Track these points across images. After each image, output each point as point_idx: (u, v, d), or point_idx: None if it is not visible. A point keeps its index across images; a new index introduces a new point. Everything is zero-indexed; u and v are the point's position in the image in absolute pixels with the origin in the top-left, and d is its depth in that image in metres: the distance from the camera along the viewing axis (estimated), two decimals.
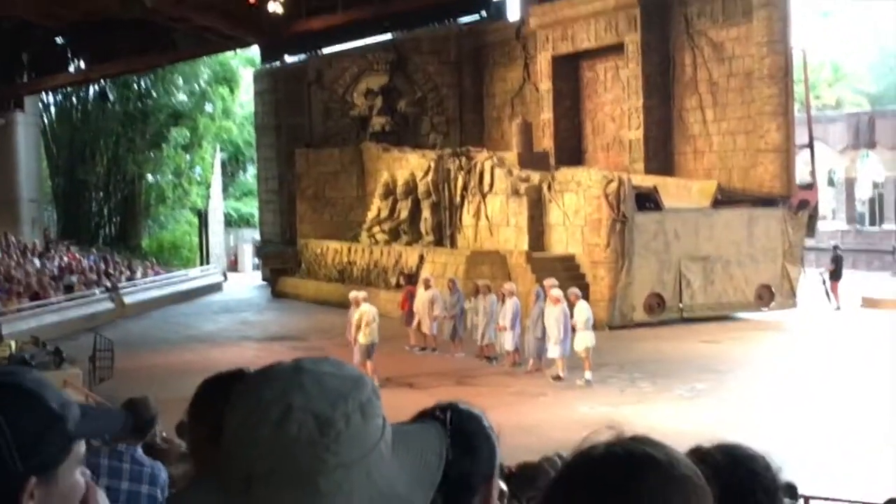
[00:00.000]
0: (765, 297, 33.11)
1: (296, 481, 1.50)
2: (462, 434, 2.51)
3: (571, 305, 23.73)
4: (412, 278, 33.43)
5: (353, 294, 25.74)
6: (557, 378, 23.70)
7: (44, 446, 1.91)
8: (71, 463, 1.98)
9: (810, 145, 37.24)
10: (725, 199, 34.20)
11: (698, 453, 2.59)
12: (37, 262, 43.58)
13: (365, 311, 24.15)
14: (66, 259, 46.23)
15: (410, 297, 29.95)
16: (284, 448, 1.49)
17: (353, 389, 1.57)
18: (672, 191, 34.35)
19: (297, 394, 1.53)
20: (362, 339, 23.87)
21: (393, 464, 1.59)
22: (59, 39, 50.42)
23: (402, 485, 1.59)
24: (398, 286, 34.82)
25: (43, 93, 56.84)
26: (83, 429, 2.00)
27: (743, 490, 2.62)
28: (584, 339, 23.49)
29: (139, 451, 6.18)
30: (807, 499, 11.11)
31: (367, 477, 1.54)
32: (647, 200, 32.40)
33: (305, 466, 1.49)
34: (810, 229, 35.04)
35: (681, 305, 32.17)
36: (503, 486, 2.79)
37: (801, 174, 36.86)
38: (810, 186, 36.37)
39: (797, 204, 34.24)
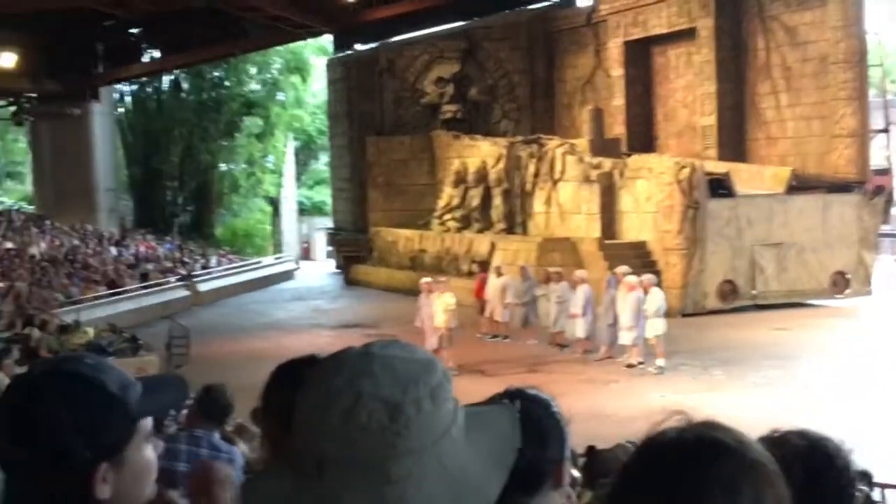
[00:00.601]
0: (839, 283, 32.72)
1: (367, 468, 1.50)
2: (530, 420, 2.54)
3: (645, 292, 23.62)
4: (485, 266, 33.41)
5: (423, 281, 25.85)
6: (631, 365, 23.65)
7: (107, 430, 1.95)
8: (138, 441, 2.03)
9: (886, 130, 36.76)
10: (800, 185, 33.82)
11: (773, 439, 2.58)
12: (113, 250, 44.13)
13: (447, 297, 24.25)
14: (141, 248, 46.77)
15: (485, 284, 30.01)
16: (354, 436, 1.50)
17: (423, 373, 1.57)
18: (745, 177, 34.04)
19: (367, 380, 1.53)
20: (443, 324, 23.94)
21: (466, 448, 1.58)
22: (133, 31, 50.93)
23: (476, 470, 1.58)
24: (470, 274, 34.81)
25: (118, 83, 57.45)
26: (146, 407, 2.04)
27: (821, 472, 2.60)
28: (656, 327, 23.39)
29: (217, 436, 6.26)
30: (883, 487, 10.99)
31: (439, 462, 1.53)
32: (720, 187, 32.15)
33: (376, 453, 1.50)
34: (886, 215, 34.62)
35: (754, 292, 31.89)
36: (575, 473, 2.81)
37: (877, 159, 36.41)
38: (886, 172, 35.92)
39: (873, 190, 33.79)
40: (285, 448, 1.66)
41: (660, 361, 23.20)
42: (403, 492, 1.51)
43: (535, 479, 2.54)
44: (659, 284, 25.63)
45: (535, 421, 2.55)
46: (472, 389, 1.73)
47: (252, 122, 62.97)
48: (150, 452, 2.07)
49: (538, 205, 37.49)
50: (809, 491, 2.11)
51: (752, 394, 20.29)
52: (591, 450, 8.93)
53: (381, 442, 1.50)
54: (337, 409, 1.52)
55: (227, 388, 6.66)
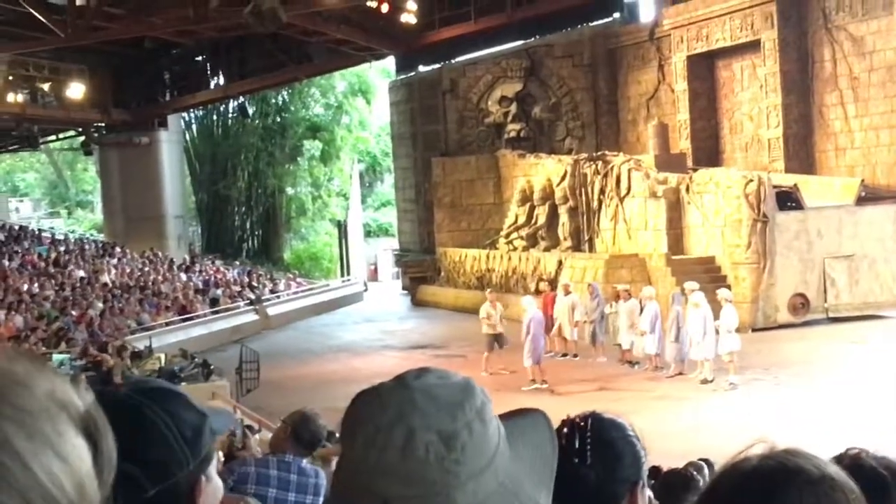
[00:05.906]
0: None
1: (432, 500, 1.49)
2: (604, 442, 2.53)
3: (719, 307, 23.47)
4: (553, 284, 33.31)
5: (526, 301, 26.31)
6: (705, 381, 23.48)
7: (202, 444, 1.97)
8: (216, 460, 2.05)
9: None
10: (869, 195, 33.46)
11: (849, 459, 2.53)
12: (183, 276, 44.51)
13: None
14: (210, 273, 47.14)
15: (553, 302, 29.99)
16: (415, 470, 1.49)
17: (466, 397, 1.55)
18: (814, 189, 33.73)
19: (414, 413, 1.52)
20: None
21: (515, 461, 1.58)
22: (198, 58, 51.47)
23: (527, 480, 1.58)
24: (537, 292, 34.76)
25: (185, 111, 58.04)
26: (218, 425, 2.07)
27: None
28: (730, 344, 23.21)
29: (304, 461, 6.30)
30: None
31: (496, 480, 1.53)
32: (789, 199, 31.90)
33: (439, 485, 1.49)
34: None
35: (826, 305, 31.55)
36: (650, 493, 2.78)
37: None
38: None
39: None
40: None
41: (733, 378, 23.02)
42: None
43: (610, 501, 2.52)
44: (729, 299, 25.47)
45: (609, 443, 2.54)
46: (542, 408, 1.69)
47: (317, 146, 63.35)
48: (217, 478, 2.09)
49: (605, 221, 37.36)
50: None
51: (826, 408, 20.05)
52: (656, 470, 8.85)
53: (443, 472, 1.49)
54: (392, 447, 1.50)
55: (320, 416, 6.67)
